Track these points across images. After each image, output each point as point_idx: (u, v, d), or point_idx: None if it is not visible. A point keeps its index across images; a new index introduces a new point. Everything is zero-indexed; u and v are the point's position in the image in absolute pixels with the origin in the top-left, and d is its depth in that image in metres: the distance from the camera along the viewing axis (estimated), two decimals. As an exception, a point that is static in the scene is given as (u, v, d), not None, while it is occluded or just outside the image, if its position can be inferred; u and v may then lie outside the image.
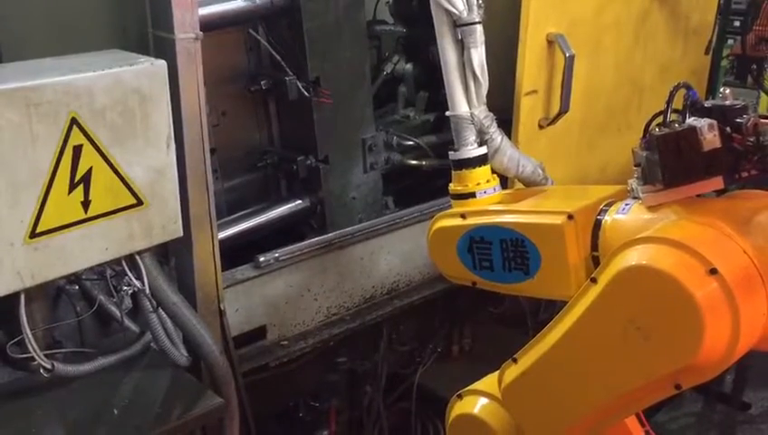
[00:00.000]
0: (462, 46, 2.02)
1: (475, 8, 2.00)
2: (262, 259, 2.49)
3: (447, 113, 2.09)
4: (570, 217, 1.65)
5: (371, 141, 2.83)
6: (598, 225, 1.64)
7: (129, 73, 1.73)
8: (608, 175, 3.08)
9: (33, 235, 1.66)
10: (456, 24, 2.00)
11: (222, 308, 2.26)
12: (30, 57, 1.79)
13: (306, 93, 2.62)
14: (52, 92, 1.61)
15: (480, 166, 2.02)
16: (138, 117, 1.75)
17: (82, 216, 1.71)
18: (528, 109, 2.71)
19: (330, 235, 2.69)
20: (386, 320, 2.86)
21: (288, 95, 2.63)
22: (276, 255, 2.52)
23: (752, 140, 1.42)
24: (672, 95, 1.52)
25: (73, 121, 1.65)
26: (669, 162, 1.47)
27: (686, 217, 1.50)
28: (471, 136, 2.03)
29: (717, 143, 1.42)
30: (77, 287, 2.02)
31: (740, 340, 1.37)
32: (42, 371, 1.82)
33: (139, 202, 1.80)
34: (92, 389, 1.92)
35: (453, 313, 3.15)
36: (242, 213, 2.74)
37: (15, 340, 1.81)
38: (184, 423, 1.88)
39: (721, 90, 1.52)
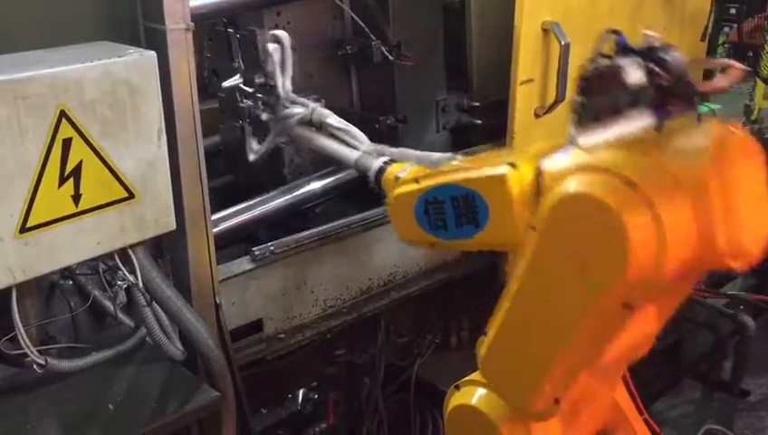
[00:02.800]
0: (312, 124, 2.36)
1: (307, 104, 2.39)
2: (257, 252, 2.48)
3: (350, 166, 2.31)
4: (512, 165, 1.70)
5: (444, 103, 3.08)
6: (539, 172, 1.68)
7: (118, 65, 1.71)
8: (604, 163, 3.07)
9: (24, 229, 1.64)
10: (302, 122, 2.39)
11: (218, 302, 2.25)
12: (18, 50, 1.77)
13: (389, 57, 2.85)
14: (40, 85, 1.60)
15: (392, 163, 2.18)
16: (128, 109, 1.73)
17: (73, 210, 1.70)
18: (524, 98, 2.69)
19: (325, 226, 2.67)
20: (383, 312, 2.85)
21: (372, 59, 2.88)
22: (272, 247, 2.51)
23: (676, 76, 1.48)
24: (601, 40, 1.57)
25: (62, 114, 1.64)
26: (597, 100, 1.53)
27: (613, 148, 1.53)
28: (375, 161, 2.20)
29: (642, 79, 1.47)
30: (71, 282, 2.01)
31: (668, 247, 1.37)
32: (35, 366, 1.81)
33: (131, 195, 1.79)
34: (87, 384, 1.92)
35: (450, 304, 3.14)
36: (327, 170, 2.93)
37: (8, 336, 1.80)
38: (180, 417, 1.87)
39: (647, 31, 1.56)
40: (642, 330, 1.75)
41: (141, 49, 1.79)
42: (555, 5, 2.68)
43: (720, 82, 1.55)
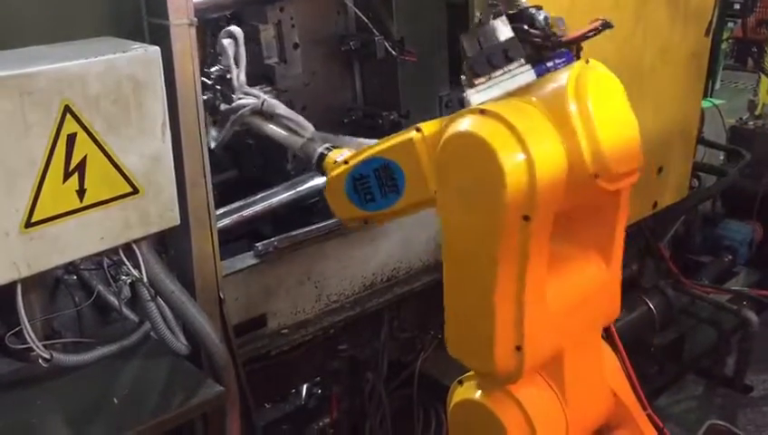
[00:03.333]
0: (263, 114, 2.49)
1: (259, 95, 2.51)
2: (261, 247, 2.48)
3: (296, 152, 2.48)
4: (418, 129, 1.88)
5: (447, 98, 3.06)
6: (443, 130, 1.82)
7: (122, 60, 1.71)
8: (608, 159, 3.07)
9: (29, 224, 1.65)
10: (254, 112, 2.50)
11: (221, 297, 2.25)
12: (23, 45, 1.77)
13: (393, 52, 2.86)
14: (44, 80, 1.60)
15: (333, 149, 2.32)
16: (132, 104, 1.73)
17: (78, 205, 1.70)
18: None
19: (329, 222, 2.67)
20: (387, 307, 2.85)
21: (376, 54, 2.88)
22: (275, 243, 2.52)
23: (545, 32, 1.71)
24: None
25: (67, 109, 1.64)
26: (475, 57, 1.73)
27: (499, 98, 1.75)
28: (318, 147, 2.35)
29: (510, 33, 1.71)
30: (75, 277, 2.02)
31: (536, 173, 1.59)
32: (40, 361, 1.81)
33: (135, 190, 1.79)
34: (92, 378, 1.92)
35: (454, 299, 3.14)
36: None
37: (14, 331, 1.81)
38: (184, 411, 1.87)
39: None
40: (589, 277, 1.89)
41: (145, 44, 1.79)
42: (559, 0, 2.67)
43: (579, 31, 1.75)
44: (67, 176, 1.67)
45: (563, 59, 1.72)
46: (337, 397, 2.97)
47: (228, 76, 2.56)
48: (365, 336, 2.92)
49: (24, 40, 1.78)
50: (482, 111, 1.67)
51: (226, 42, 2.54)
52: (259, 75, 2.82)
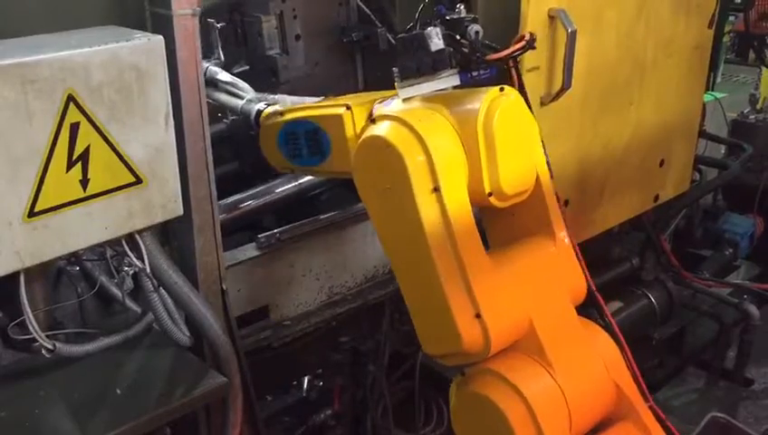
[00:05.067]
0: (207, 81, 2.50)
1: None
2: (263, 239, 2.48)
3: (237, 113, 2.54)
4: (347, 107, 2.05)
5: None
6: (371, 115, 2.01)
7: (125, 49, 1.70)
8: (610, 151, 3.06)
9: (32, 214, 1.64)
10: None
11: (224, 288, 2.25)
12: (26, 34, 1.76)
13: (395, 43, 2.83)
14: (47, 69, 1.59)
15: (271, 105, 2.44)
16: (135, 93, 1.73)
17: (81, 194, 1.70)
18: (530, 86, 2.66)
19: (331, 214, 2.67)
20: (388, 299, 2.85)
21: (378, 46, 2.91)
22: (277, 235, 2.51)
23: (473, 46, 1.88)
24: (420, 10, 1.99)
25: (70, 98, 1.63)
26: (406, 61, 1.90)
27: (418, 103, 1.94)
28: (256, 105, 2.46)
29: (441, 45, 1.86)
30: (78, 268, 2.01)
31: (431, 150, 1.81)
32: (44, 351, 1.81)
33: (138, 180, 1.79)
34: (95, 369, 1.92)
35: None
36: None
37: (17, 321, 1.80)
38: (187, 402, 1.88)
39: (458, 6, 1.94)
40: (536, 251, 2.03)
41: (149, 33, 1.78)
42: (561, -7, 2.66)
43: (503, 51, 1.93)
44: (70, 165, 1.66)
45: (487, 71, 1.92)
46: (339, 389, 2.97)
47: None
48: (366, 328, 2.93)
49: (27, 29, 1.78)
50: (390, 118, 1.88)
51: None
52: (261, 67, 2.82)
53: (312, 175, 2.60)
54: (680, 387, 3.71)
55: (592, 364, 2.01)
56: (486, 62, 1.90)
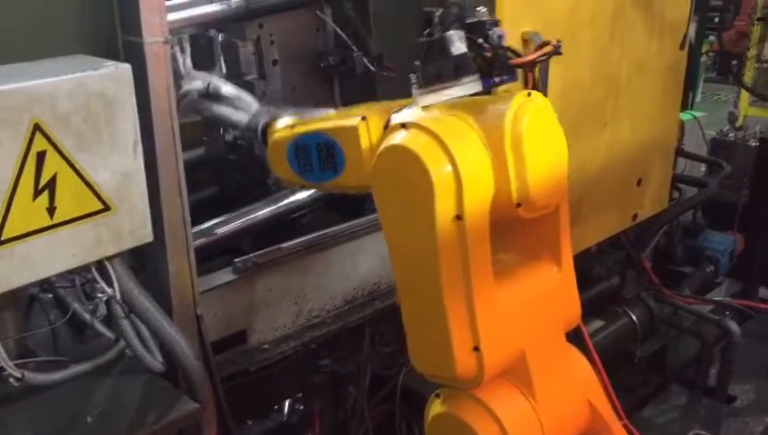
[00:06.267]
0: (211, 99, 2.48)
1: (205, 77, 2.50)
2: (239, 263, 2.48)
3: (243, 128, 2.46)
4: (363, 118, 1.93)
5: None
6: (387, 125, 1.91)
7: (92, 78, 1.71)
8: (586, 171, 3.09)
9: (-2, 242, 1.64)
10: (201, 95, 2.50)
11: (198, 313, 2.25)
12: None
13: (372, 67, 2.89)
14: (13, 99, 1.60)
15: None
16: (102, 121, 1.74)
17: (48, 222, 1.70)
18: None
19: (309, 236, 2.68)
20: (368, 321, 2.85)
21: (355, 70, 2.91)
22: (254, 258, 2.51)
23: (495, 48, 1.75)
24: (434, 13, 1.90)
25: (36, 127, 1.63)
26: (427, 66, 1.82)
27: (439, 110, 1.81)
28: (263, 118, 2.37)
29: (464, 49, 1.76)
30: (50, 295, 2.01)
31: (461, 174, 1.68)
32: (12, 380, 1.80)
33: (107, 208, 1.79)
34: (66, 397, 1.91)
35: (435, 313, 3.14)
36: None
37: (-15, 350, 1.79)
38: (158, 429, 1.86)
39: (479, 8, 1.82)
40: (541, 279, 1.96)
41: (117, 62, 1.79)
42: (536, 15, 2.70)
43: (528, 56, 1.80)
44: (37, 193, 1.66)
45: (510, 77, 1.80)
46: (319, 412, 2.95)
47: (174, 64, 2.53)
48: (347, 351, 2.92)
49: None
50: (412, 126, 1.76)
51: None
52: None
53: (323, 190, 2.48)
54: (663, 404, 3.72)
55: (572, 390, 2.00)
56: (510, 66, 1.79)
